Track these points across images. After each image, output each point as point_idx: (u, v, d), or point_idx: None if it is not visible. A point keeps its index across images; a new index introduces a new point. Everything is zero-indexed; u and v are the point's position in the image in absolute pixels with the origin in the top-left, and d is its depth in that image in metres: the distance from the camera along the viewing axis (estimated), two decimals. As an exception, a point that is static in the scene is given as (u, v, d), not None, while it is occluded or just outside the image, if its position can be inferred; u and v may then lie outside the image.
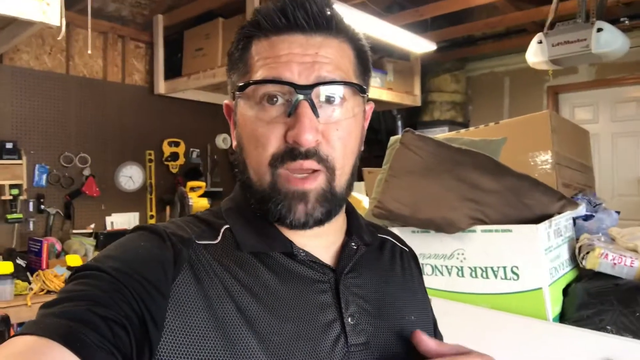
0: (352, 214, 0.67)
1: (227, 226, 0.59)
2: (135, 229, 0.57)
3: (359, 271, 0.62)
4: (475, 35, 4.48)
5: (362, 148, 0.62)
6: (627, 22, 3.36)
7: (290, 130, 0.53)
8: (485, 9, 4.03)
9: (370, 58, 0.62)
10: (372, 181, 1.88)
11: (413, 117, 4.83)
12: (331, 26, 0.56)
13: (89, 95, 3.61)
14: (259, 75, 0.55)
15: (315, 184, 0.55)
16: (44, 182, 3.35)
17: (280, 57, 0.54)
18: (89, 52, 3.35)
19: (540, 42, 2.55)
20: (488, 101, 4.88)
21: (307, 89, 0.53)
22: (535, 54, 2.60)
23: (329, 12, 0.56)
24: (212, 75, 3.47)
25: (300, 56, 0.54)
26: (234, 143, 0.61)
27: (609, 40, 2.33)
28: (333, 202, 0.56)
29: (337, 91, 0.55)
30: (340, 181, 0.57)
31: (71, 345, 0.40)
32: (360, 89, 0.58)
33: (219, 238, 0.58)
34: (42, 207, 3.33)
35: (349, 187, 0.60)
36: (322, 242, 0.61)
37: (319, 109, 0.54)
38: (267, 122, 0.55)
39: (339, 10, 0.58)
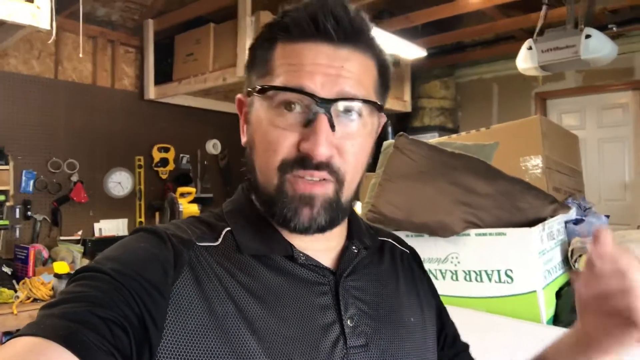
0: (353, 218, 0.67)
1: (228, 228, 0.59)
2: (136, 230, 0.56)
3: (358, 274, 0.62)
4: (465, 42, 4.53)
5: (370, 162, 0.62)
6: (614, 28, 3.42)
7: (304, 141, 0.53)
8: (475, 16, 4.08)
9: (391, 75, 0.62)
10: (365, 186, 1.88)
11: (403, 123, 4.86)
12: (359, 39, 0.56)
13: (78, 100, 3.57)
14: (280, 80, 0.54)
15: (323, 191, 0.55)
16: (30, 188, 3.30)
17: (305, 65, 0.53)
18: (81, 55, 3.32)
19: (530, 48, 2.59)
20: (477, 107, 4.92)
21: (328, 103, 0.53)
22: (525, 60, 2.63)
23: (359, 25, 0.55)
24: (203, 81, 3.46)
25: (325, 67, 0.53)
26: (244, 139, 0.61)
27: (597, 47, 2.37)
28: (338, 211, 0.56)
29: (357, 108, 0.55)
30: (348, 193, 0.57)
31: (71, 346, 0.40)
32: (378, 107, 0.57)
33: (220, 240, 0.57)
34: (29, 213, 3.28)
35: (353, 200, 0.60)
36: (322, 246, 0.61)
37: (336, 122, 0.54)
38: (282, 128, 0.54)
39: (369, 23, 0.57)
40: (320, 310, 0.56)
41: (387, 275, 0.67)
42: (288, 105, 0.54)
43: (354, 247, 0.63)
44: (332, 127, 0.53)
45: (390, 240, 0.74)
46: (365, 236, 0.66)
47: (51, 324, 0.41)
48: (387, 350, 0.59)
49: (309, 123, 0.53)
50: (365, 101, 0.55)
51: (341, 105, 0.54)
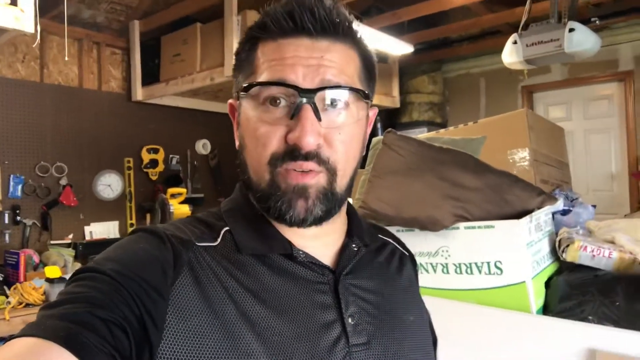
0: (353, 216, 0.67)
1: (227, 228, 0.59)
2: (135, 231, 0.56)
3: (358, 272, 0.62)
4: (451, 37, 4.55)
5: (364, 152, 0.62)
6: (597, 22, 3.47)
7: (291, 132, 0.53)
8: (461, 11, 4.11)
9: (375, 65, 0.63)
10: (356, 182, 1.90)
11: (392, 119, 4.88)
12: (338, 31, 0.56)
13: (65, 103, 3.54)
14: (263, 77, 0.55)
15: (315, 181, 0.55)
16: (19, 192, 3.26)
17: (286, 59, 0.54)
18: (66, 58, 3.28)
19: (515, 42, 2.62)
20: (465, 101, 4.96)
21: (311, 92, 0.53)
22: (511, 55, 2.66)
23: (336, 17, 0.56)
24: (191, 81, 3.44)
25: (306, 59, 0.54)
26: (237, 143, 0.61)
27: (580, 40, 2.40)
28: (333, 201, 0.57)
29: (341, 96, 0.55)
30: (341, 183, 0.57)
31: (72, 347, 0.40)
32: (364, 95, 0.58)
33: (219, 240, 0.58)
34: (18, 218, 3.24)
35: (349, 190, 0.60)
36: (322, 243, 0.61)
37: (322, 113, 0.54)
38: (270, 123, 0.55)
39: (347, 15, 0.58)
40: (321, 308, 0.56)
41: (387, 274, 0.67)
42: (273, 101, 0.55)
43: (353, 245, 0.63)
44: (318, 117, 0.53)
45: (391, 240, 0.74)
46: (365, 234, 0.66)
47: (51, 324, 0.42)
48: (388, 349, 0.59)
49: (294, 115, 0.53)
50: (349, 88, 0.56)
51: (325, 94, 0.54)
